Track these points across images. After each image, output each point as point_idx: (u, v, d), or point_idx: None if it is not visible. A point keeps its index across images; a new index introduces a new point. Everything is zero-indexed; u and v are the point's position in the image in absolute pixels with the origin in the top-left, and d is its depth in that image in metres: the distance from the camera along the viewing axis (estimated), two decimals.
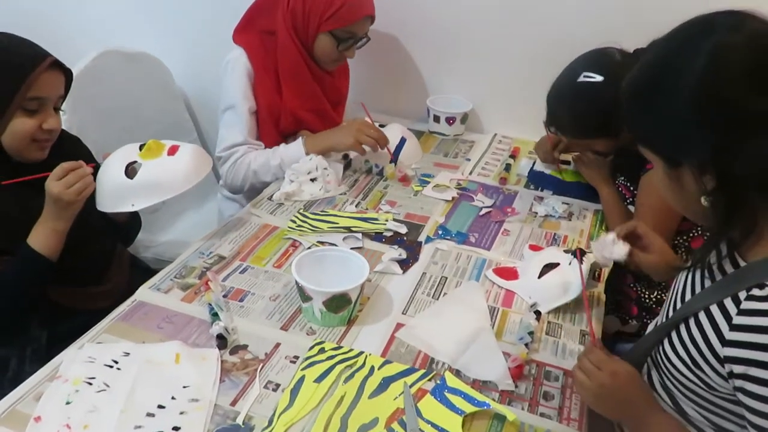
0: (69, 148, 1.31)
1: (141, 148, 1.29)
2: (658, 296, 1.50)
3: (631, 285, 1.52)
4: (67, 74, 1.22)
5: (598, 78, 1.37)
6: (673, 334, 0.88)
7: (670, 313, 0.92)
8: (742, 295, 0.77)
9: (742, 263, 0.83)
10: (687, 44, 0.78)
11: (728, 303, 0.79)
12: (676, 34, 0.81)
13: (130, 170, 1.26)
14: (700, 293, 0.87)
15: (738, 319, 0.77)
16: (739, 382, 0.77)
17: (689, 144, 0.78)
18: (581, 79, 1.39)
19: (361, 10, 1.64)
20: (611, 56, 1.40)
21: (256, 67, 1.68)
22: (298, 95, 1.71)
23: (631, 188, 1.48)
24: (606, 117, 1.38)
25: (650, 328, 1.03)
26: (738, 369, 0.76)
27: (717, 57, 0.74)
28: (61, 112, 1.23)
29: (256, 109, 1.71)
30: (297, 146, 1.66)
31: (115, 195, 1.26)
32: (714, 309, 0.81)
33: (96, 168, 1.24)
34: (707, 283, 0.88)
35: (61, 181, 1.14)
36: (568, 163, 1.68)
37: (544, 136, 1.69)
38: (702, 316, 0.83)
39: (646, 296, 1.51)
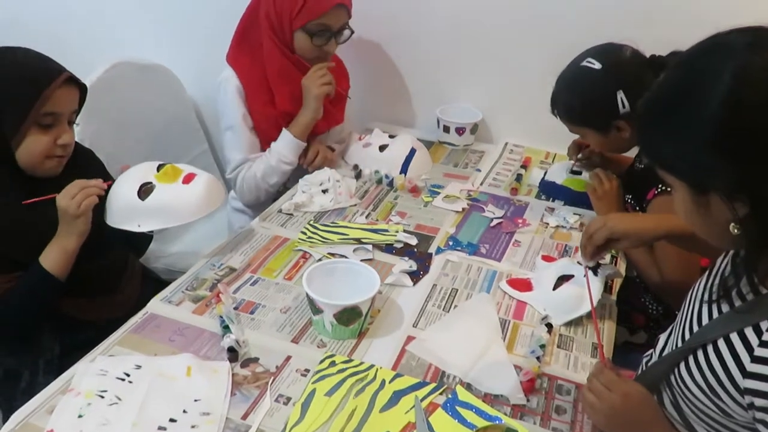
0: (82, 161, 1.32)
1: (159, 168, 1.30)
2: (665, 308, 1.49)
3: (641, 297, 1.52)
4: (82, 89, 1.24)
5: (597, 65, 1.38)
6: (690, 359, 0.86)
7: (686, 335, 0.91)
8: (764, 325, 0.75)
9: (763, 290, 0.79)
10: (706, 66, 0.74)
11: (749, 333, 0.77)
12: (693, 55, 0.78)
13: (144, 190, 1.27)
14: (718, 318, 0.85)
15: (760, 351, 0.75)
16: (760, 415, 0.75)
17: (717, 170, 0.74)
18: (583, 63, 1.41)
19: (326, 1, 1.61)
20: (620, 52, 1.40)
21: (247, 83, 1.69)
22: (290, 98, 1.71)
23: (637, 208, 1.47)
24: (592, 104, 1.40)
25: (660, 342, 1.01)
26: (759, 402, 0.75)
27: (740, 78, 0.70)
28: (74, 125, 1.25)
29: (253, 124, 1.72)
30: (284, 137, 1.68)
31: (123, 212, 1.27)
32: (734, 338, 0.79)
33: (109, 185, 1.25)
34: (723, 306, 0.85)
35: (65, 194, 1.15)
36: (579, 173, 1.67)
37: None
38: (721, 344, 0.80)
39: (654, 307, 1.51)
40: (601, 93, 1.38)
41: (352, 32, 1.73)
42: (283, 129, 1.69)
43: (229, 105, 1.70)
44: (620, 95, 1.36)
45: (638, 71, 1.35)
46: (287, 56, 1.68)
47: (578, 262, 1.28)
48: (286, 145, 1.68)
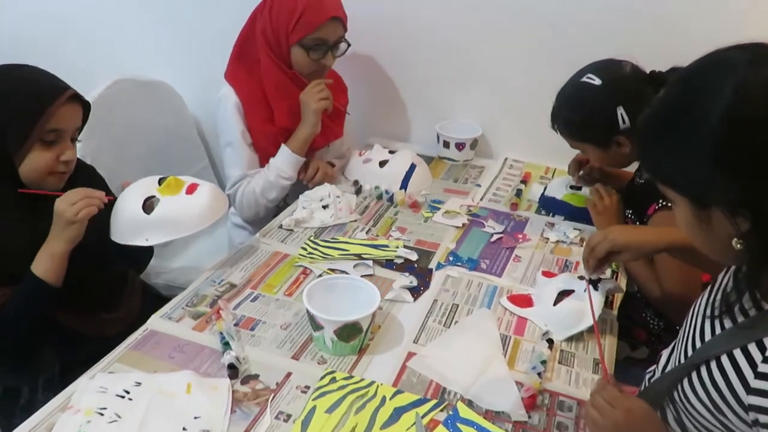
0: (84, 177, 1.32)
1: (160, 182, 1.31)
2: (666, 323, 1.49)
3: (642, 312, 1.51)
4: (85, 106, 1.25)
5: (597, 81, 1.39)
6: (694, 376, 0.86)
7: (689, 351, 0.90)
8: (767, 341, 0.75)
9: (766, 306, 0.79)
10: (706, 82, 0.74)
11: (753, 349, 0.77)
12: (693, 71, 0.78)
13: (148, 205, 1.27)
14: (721, 334, 0.85)
15: (764, 367, 0.75)
16: None
17: (717, 186, 0.74)
18: (583, 79, 1.42)
19: (322, 14, 1.62)
20: (620, 67, 1.41)
21: (245, 100, 1.70)
22: (288, 112, 1.72)
23: (638, 223, 1.47)
24: (592, 119, 1.42)
25: (663, 358, 1.01)
26: (764, 419, 0.74)
27: (740, 94, 0.70)
28: (77, 143, 1.25)
29: (252, 140, 1.73)
30: (283, 152, 1.69)
31: (130, 228, 1.27)
32: (738, 354, 0.78)
33: (113, 201, 1.25)
34: (726, 322, 0.85)
35: (66, 198, 1.15)
36: (579, 188, 1.67)
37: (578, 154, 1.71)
38: (725, 360, 0.80)
39: (655, 322, 1.50)
40: (602, 108, 1.39)
41: (349, 45, 1.73)
42: (282, 144, 1.70)
43: (228, 122, 1.71)
44: (620, 111, 1.37)
45: (638, 87, 1.36)
46: (284, 71, 1.69)
47: (579, 277, 1.28)
48: (284, 161, 1.69)
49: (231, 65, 1.75)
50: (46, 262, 1.17)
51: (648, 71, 1.39)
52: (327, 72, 1.74)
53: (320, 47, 1.66)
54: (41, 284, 1.17)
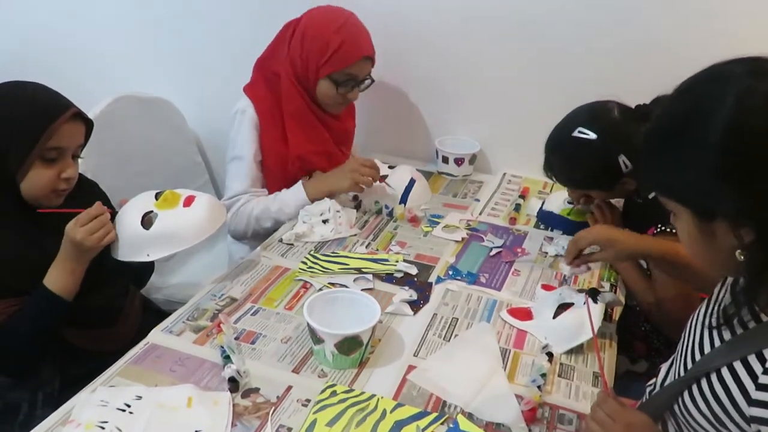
0: (86, 191, 1.33)
1: (157, 196, 1.31)
2: (666, 337, 1.49)
3: (641, 326, 1.51)
4: (88, 124, 1.26)
5: (592, 135, 1.38)
6: (694, 389, 0.86)
7: (688, 363, 0.90)
8: (767, 352, 0.76)
9: (765, 318, 0.80)
10: (707, 93, 0.75)
11: (753, 361, 0.77)
12: (693, 84, 0.78)
13: (146, 220, 1.27)
14: (720, 346, 0.85)
15: (764, 379, 0.75)
16: None
17: (721, 197, 0.74)
18: (575, 133, 1.40)
19: (355, 53, 1.64)
20: (608, 112, 1.40)
21: (263, 117, 1.71)
22: (304, 139, 1.73)
23: None
24: (595, 173, 1.43)
25: (662, 372, 1.01)
26: (766, 430, 0.75)
27: (743, 104, 0.71)
28: (79, 159, 1.26)
29: (262, 158, 1.74)
30: (296, 191, 1.68)
31: (131, 245, 1.27)
32: (738, 366, 0.79)
33: (112, 214, 1.26)
34: (725, 334, 0.85)
35: (84, 228, 1.16)
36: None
37: None
38: (725, 372, 0.80)
39: (655, 336, 1.50)
40: (604, 162, 1.39)
41: (373, 81, 1.74)
42: (300, 183, 1.69)
43: (242, 136, 1.70)
44: (622, 158, 1.37)
45: (631, 128, 1.33)
46: (305, 100, 1.70)
47: (578, 290, 1.29)
48: (295, 201, 1.67)
49: (252, 78, 1.77)
50: (64, 278, 1.18)
51: (633, 106, 1.39)
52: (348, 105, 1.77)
53: (349, 83, 1.68)
54: (57, 299, 1.18)
